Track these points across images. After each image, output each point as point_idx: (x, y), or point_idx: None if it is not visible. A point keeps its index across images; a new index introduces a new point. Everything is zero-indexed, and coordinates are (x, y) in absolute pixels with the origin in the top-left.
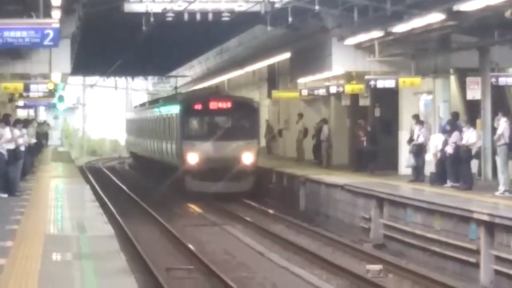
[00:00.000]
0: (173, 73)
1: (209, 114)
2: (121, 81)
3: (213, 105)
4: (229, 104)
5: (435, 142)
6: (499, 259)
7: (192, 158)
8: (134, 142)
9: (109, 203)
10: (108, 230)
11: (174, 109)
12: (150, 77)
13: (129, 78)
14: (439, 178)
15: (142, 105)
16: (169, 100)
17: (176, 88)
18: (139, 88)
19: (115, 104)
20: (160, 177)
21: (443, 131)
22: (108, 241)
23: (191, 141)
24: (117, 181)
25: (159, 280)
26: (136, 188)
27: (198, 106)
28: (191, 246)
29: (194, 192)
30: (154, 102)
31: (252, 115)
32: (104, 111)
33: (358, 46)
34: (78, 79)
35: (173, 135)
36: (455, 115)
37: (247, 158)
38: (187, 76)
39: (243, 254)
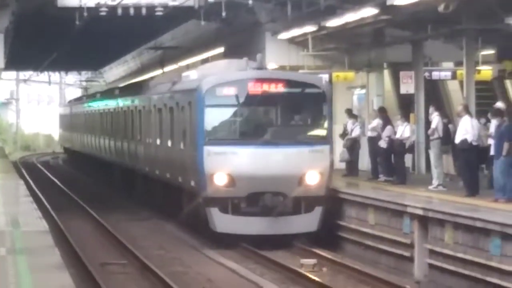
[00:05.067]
0: (106, 68)
1: (249, 103)
2: (55, 76)
3: (255, 88)
4: (281, 87)
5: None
6: (433, 252)
7: (221, 178)
8: (70, 138)
9: (43, 198)
10: (42, 225)
11: (177, 96)
12: (83, 72)
13: (63, 73)
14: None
15: (85, 98)
16: (158, 83)
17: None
18: (73, 83)
19: (49, 99)
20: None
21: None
22: (42, 236)
23: (219, 147)
24: (51, 176)
25: (93, 275)
26: (70, 183)
27: (230, 91)
28: (124, 241)
29: (225, 235)
30: (110, 92)
31: (320, 104)
32: (37, 106)
33: (292, 41)
34: (12, 74)
35: (176, 137)
36: (379, 110)
37: (313, 177)
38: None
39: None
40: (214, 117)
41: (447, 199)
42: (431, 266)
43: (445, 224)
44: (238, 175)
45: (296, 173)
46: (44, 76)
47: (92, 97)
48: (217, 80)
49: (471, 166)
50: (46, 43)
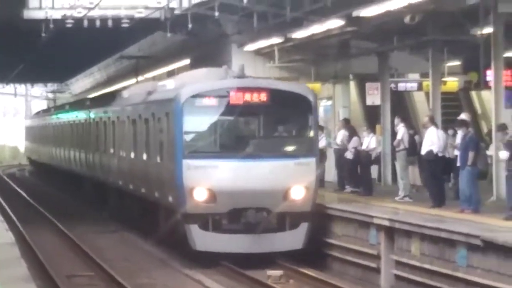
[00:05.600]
0: (72, 80)
1: (231, 114)
2: (21, 88)
3: (236, 97)
4: (264, 96)
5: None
6: (399, 263)
7: (201, 193)
8: (37, 150)
9: (9, 211)
10: (9, 237)
11: (153, 107)
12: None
13: (29, 85)
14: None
15: (54, 109)
16: (133, 92)
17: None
18: (39, 95)
19: (14, 111)
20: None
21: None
22: (9, 248)
23: (199, 160)
24: (17, 188)
25: (60, 287)
26: (37, 195)
27: (210, 101)
28: (91, 253)
29: (205, 253)
30: (80, 102)
31: (306, 114)
32: (3, 118)
33: (258, 52)
34: None
35: (152, 149)
36: (344, 122)
37: (298, 191)
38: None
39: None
40: (193, 128)
41: (413, 210)
42: (397, 277)
43: (411, 235)
44: (219, 190)
45: (280, 187)
46: (10, 88)
47: (61, 108)
48: (196, 89)
49: (437, 177)
50: (12, 55)
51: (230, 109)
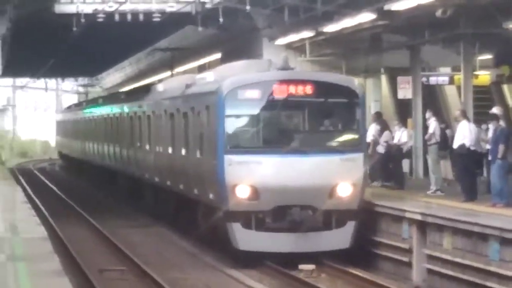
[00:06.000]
0: (103, 74)
1: (275, 107)
2: (51, 82)
3: (281, 90)
4: (310, 89)
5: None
6: (431, 258)
7: (243, 190)
8: (69, 145)
9: (40, 205)
10: (41, 231)
11: (192, 100)
12: (80, 79)
13: (60, 79)
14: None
15: (86, 103)
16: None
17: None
18: (69, 89)
19: (45, 106)
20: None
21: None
22: (41, 242)
23: (241, 156)
24: (48, 182)
25: (92, 281)
26: (68, 189)
27: (253, 93)
28: (123, 248)
29: (249, 253)
30: (114, 96)
31: (353, 107)
32: (34, 112)
33: (289, 46)
34: (8, 81)
35: (191, 144)
36: (376, 115)
37: (345, 188)
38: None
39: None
40: (235, 122)
41: (446, 204)
42: (429, 271)
43: (443, 229)
44: (263, 186)
45: (326, 184)
46: (40, 82)
47: (94, 102)
48: (239, 81)
49: (469, 171)
50: (43, 49)
51: (274, 102)
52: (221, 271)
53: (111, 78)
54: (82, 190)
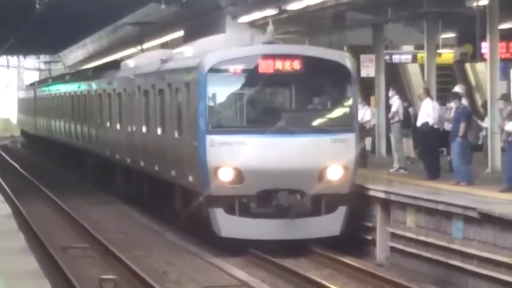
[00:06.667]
0: (65, 51)
1: (260, 84)
2: (13, 60)
3: (266, 65)
4: (297, 64)
5: None
6: (395, 236)
7: (226, 172)
8: (33, 123)
9: (3, 183)
10: (6, 209)
11: (169, 77)
12: (42, 56)
13: (21, 57)
14: None
15: (51, 80)
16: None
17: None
18: (31, 66)
19: (7, 83)
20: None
21: None
22: (6, 220)
23: (224, 136)
24: (10, 160)
25: (55, 259)
26: (30, 167)
27: (237, 69)
28: (86, 225)
29: (231, 240)
30: (81, 73)
31: (344, 84)
32: None
33: (252, 24)
34: None
35: (168, 124)
36: None
37: (335, 171)
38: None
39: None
40: (218, 100)
41: (409, 182)
42: (393, 249)
43: (407, 207)
44: (247, 169)
45: (315, 166)
46: (2, 59)
47: (59, 79)
48: (221, 56)
49: (432, 149)
50: (5, 27)
51: (259, 78)
52: (183, 247)
53: (74, 55)
54: (45, 169)
